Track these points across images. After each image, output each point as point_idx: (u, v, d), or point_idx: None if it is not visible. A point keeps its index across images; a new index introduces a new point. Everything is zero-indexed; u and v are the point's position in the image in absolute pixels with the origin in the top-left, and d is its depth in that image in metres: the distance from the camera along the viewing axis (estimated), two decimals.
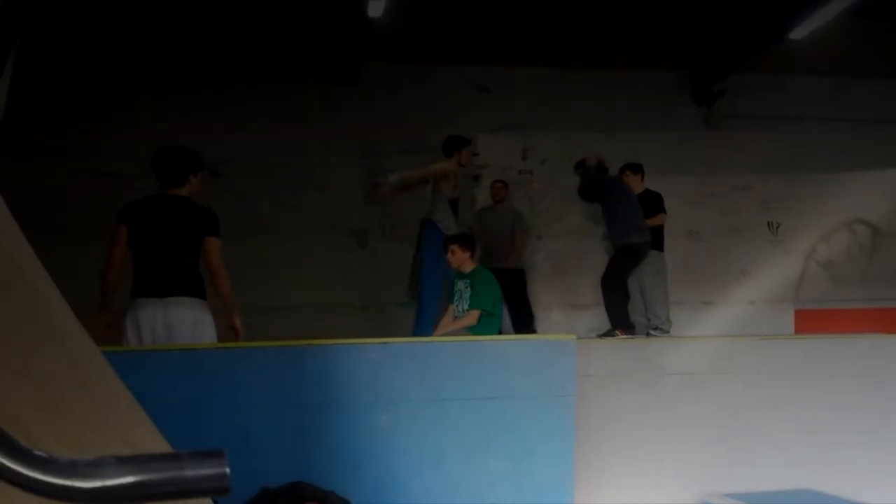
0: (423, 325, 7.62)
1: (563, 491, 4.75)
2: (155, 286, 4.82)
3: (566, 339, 5.06)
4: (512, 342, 5.65)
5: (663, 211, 8.63)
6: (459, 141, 8.11)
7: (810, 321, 10.78)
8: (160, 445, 1.99)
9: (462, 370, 4.77)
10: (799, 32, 9.52)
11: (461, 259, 7.01)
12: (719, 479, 5.42)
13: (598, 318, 9.89)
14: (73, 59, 9.34)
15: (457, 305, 7.01)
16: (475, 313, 6.78)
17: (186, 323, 4.79)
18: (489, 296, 6.93)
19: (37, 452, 0.53)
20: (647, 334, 8.12)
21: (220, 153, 9.51)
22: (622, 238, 7.99)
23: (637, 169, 8.51)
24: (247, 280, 8.74)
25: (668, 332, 8.29)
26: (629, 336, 7.65)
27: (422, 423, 4.63)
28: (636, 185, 8.53)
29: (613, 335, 7.56)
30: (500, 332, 7.47)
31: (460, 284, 7.02)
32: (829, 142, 11.27)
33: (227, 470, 0.57)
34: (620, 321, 7.80)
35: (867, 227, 11.54)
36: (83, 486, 0.52)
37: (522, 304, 9.28)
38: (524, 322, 9.11)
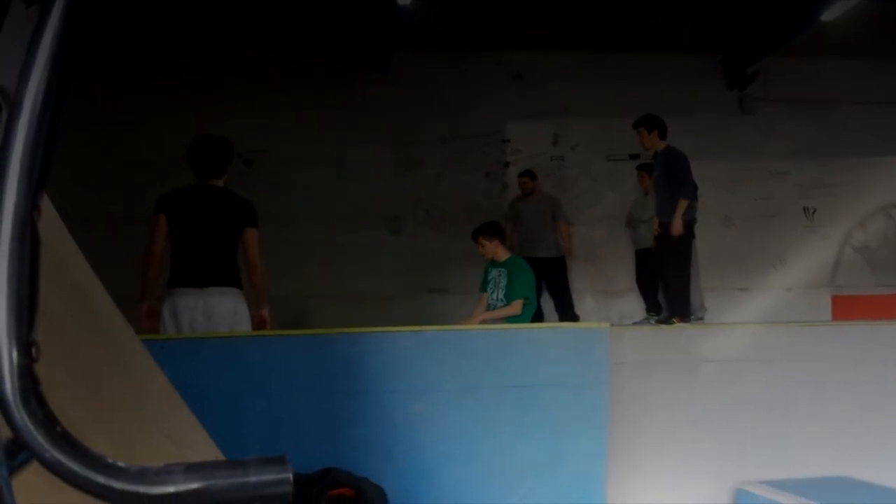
0: None
1: (596, 479, 4.74)
2: (195, 276, 4.84)
3: (600, 327, 5.05)
4: (546, 331, 5.64)
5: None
6: None
7: (847, 307, 10.67)
8: (200, 436, 2.02)
9: (496, 358, 4.77)
10: (831, 14, 9.39)
11: (492, 249, 6.94)
12: (754, 467, 5.39)
13: (631, 304, 9.89)
14: (107, 50, 9.42)
15: (491, 294, 6.94)
16: (519, 303, 6.70)
17: (227, 312, 4.83)
18: (528, 283, 6.88)
19: (109, 461, 0.56)
20: None
21: (253, 143, 9.56)
22: (694, 214, 7.62)
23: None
24: (280, 269, 8.82)
25: (702, 318, 8.23)
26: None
27: (456, 411, 4.64)
28: None
29: (671, 323, 7.27)
30: (541, 320, 7.32)
31: (494, 273, 6.96)
32: (865, 125, 11.09)
33: (290, 475, 0.59)
34: (684, 310, 7.50)
35: None
36: (152, 492, 0.55)
37: (563, 292, 9.32)
38: (565, 310, 9.14)
